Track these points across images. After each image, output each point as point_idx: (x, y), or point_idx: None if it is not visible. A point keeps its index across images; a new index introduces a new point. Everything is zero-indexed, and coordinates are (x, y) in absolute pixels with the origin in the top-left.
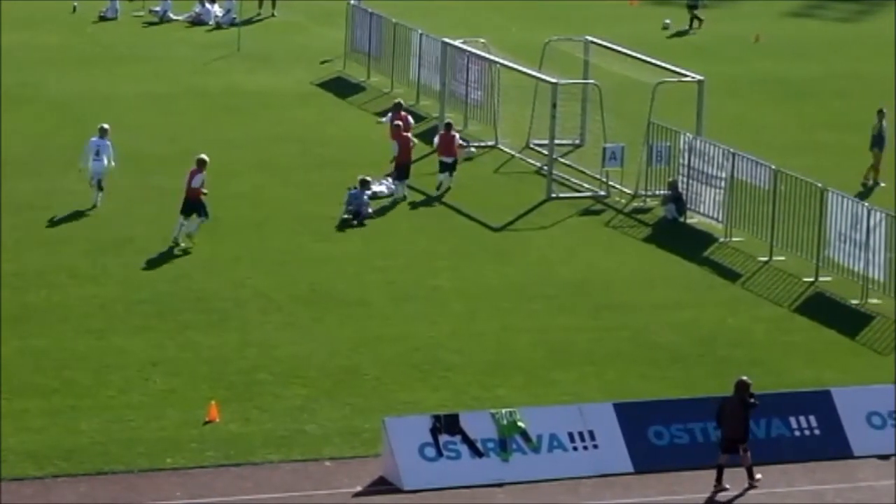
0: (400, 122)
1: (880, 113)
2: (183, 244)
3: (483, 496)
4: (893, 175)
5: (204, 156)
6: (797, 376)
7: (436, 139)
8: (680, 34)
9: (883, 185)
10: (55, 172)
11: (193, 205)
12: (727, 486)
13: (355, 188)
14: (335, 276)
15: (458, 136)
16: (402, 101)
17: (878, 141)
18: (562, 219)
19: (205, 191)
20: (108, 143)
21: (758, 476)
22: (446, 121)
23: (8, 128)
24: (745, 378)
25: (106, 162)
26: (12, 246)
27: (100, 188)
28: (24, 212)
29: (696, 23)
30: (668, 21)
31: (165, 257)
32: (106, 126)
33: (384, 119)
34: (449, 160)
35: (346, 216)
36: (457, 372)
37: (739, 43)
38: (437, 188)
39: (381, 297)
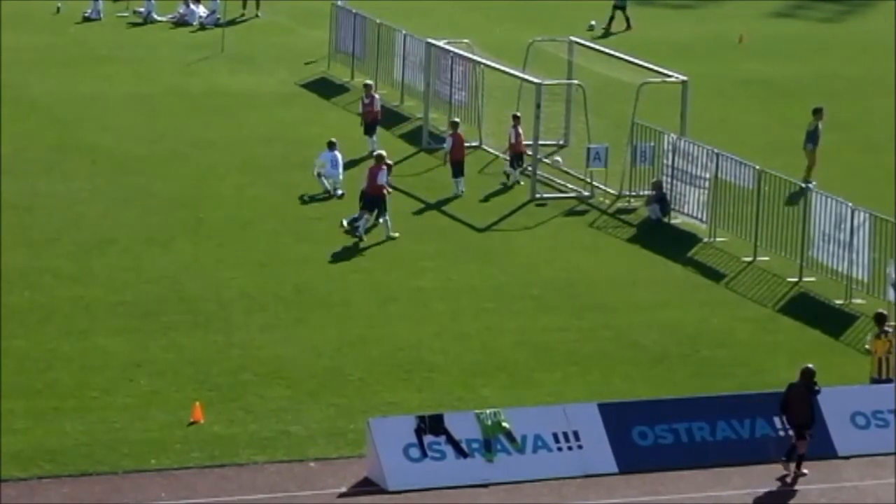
0: (457, 119)
1: (818, 112)
2: (395, 234)
3: (468, 496)
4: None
5: (383, 152)
6: (781, 376)
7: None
8: (606, 35)
9: (813, 183)
10: (38, 173)
11: (376, 201)
12: (805, 471)
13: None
14: (319, 277)
15: (521, 133)
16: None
17: (812, 139)
18: (546, 219)
19: (389, 189)
20: None
21: (804, 470)
22: (515, 113)
23: None
24: (810, 366)
25: None
26: None
27: None
28: (7, 213)
29: (614, 24)
30: (593, 23)
31: (149, 258)
32: None
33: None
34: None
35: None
36: (441, 372)
37: (723, 43)
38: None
39: (365, 297)
